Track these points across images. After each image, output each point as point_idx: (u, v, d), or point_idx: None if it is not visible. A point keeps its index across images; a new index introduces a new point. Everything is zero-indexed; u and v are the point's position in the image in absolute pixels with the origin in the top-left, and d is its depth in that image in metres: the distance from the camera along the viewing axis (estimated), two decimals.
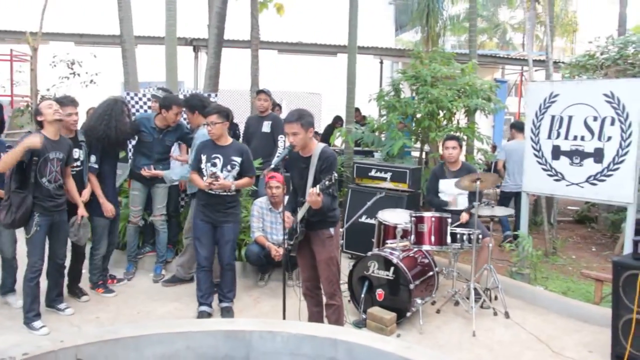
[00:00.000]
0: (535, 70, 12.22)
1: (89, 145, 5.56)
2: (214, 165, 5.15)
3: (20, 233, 5.03)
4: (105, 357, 2.90)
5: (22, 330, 4.81)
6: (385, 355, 2.90)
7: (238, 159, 5.18)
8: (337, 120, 11.75)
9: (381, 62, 15.70)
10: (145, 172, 5.85)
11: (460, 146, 6.17)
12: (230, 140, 5.29)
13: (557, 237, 7.93)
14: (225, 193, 5.18)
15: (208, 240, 5.27)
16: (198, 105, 5.79)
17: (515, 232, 8.16)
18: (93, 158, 5.57)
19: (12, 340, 4.46)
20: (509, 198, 8.30)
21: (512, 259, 6.64)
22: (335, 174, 4.13)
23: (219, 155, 5.17)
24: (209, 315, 5.30)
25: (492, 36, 29.70)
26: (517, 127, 9.01)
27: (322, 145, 4.42)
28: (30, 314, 4.86)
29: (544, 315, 5.57)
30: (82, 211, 5.24)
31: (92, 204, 5.57)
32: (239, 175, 5.23)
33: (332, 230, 4.43)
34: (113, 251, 6.18)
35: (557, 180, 6.02)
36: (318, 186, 4.07)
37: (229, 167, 5.16)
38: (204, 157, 5.19)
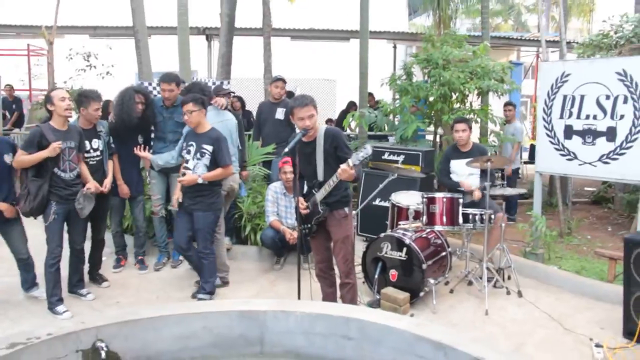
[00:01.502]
0: (552, 52, 12.11)
1: (113, 130, 5.75)
2: (188, 152, 5.25)
3: (29, 231, 5.22)
4: (125, 338, 2.98)
5: (47, 315, 4.98)
6: (397, 332, 2.95)
7: (209, 148, 5.15)
8: (352, 106, 11.77)
9: (395, 47, 15.61)
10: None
11: (470, 128, 6.19)
12: (207, 127, 5.27)
13: (573, 217, 7.90)
14: None
15: (181, 225, 5.36)
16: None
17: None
18: (111, 139, 5.74)
19: (38, 324, 4.61)
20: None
21: (526, 239, 6.66)
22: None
23: (193, 143, 5.24)
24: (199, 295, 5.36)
25: (507, 18, 29.35)
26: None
27: (324, 126, 4.50)
28: (53, 299, 5.00)
29: (557, 294, 5.60)
30: (92, 184, 5.18)
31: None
32: (214, 165, 5.19)
33: (346, 209, 4.50)
34: (145, 236, 6.37)
35: (569, 159, 6.00)
36: (350, 161, 4.02)
37: (198, 155, 5.18)
38: (184, 144, 5.33)
